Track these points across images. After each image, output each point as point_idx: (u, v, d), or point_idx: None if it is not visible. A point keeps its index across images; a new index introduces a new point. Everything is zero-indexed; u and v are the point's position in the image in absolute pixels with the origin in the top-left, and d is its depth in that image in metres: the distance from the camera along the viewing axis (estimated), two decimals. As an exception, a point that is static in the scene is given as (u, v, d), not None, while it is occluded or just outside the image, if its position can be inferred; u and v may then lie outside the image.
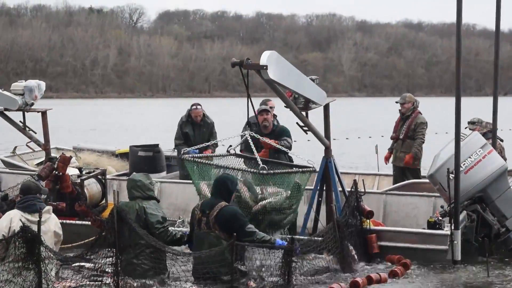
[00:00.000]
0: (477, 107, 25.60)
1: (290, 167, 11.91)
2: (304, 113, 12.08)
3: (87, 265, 9.97)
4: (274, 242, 10.20)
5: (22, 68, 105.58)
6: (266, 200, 10.95)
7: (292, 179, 11.24)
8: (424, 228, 12.01)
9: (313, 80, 12.02)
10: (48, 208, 9.60)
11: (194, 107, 15.92)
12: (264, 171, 10.87)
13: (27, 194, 9.60)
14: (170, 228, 10.44)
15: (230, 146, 11.67)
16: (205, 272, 9.86)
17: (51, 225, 9.25)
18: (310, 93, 11.85)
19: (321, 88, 12.18)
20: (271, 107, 13.73)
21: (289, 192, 11.17)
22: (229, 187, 10.37)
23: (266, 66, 10.54)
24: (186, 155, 11.56)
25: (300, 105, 12.10)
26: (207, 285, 9.90)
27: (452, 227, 11.51)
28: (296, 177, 11.29)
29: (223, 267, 9.86)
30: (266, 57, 10.61)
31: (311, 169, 11.49)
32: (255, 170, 11.00)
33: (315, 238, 11.10)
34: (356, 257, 11.36)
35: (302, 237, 11.80)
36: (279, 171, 11.26)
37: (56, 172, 12.31)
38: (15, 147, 17.75)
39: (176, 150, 16.57)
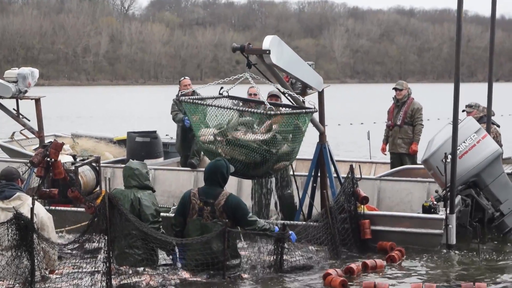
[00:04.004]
0: (469, 93, 25.63)
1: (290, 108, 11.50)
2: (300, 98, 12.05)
3: (80, 251, 9.99)
4: (273, 230, 10.22)
5: (13, 56, 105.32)
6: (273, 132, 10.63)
7: (293, 121, 10.83)
8: (418, 213, 12.05)
9: (309, 65, 12.01)
10: (19, 194, 9.62)
11: (182, 78, 16.06)
12: (272, 112, 10.42)
13: (9, 179, 9.71)
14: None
15: (222, 88, 11.19)
16: (206, 262, 9.83)
17: (23, 211, 9.24)
18: (309, 78, 11.82)
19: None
20: (254, 94, 13.62)
21: (291, 135, 10.87)
22: (225, 175, 10.31)
23: (269, 50, 10.46)
24: (184, 97, 11.37)
25: (297, 90, 12.07)
26: (199, 274, 9.92)
27: (447, 211, 11.54)
28: (297, 119, 10.84)
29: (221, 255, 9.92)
30: (269, 42, 10.50)
31: (313, 109, 11.06)
32: (263, 111, 10.51)
33: (310, 223, 11.14)
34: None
35: (298, 222, 11.86)
36: (285, 111, 10.89)
37: (48, 159, 12.28)
38: (13, 133, 17.74)
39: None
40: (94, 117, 46.17)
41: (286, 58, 10.94)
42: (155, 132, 17.28)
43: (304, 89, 12.16)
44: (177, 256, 10.26)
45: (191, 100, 11.12)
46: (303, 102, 11.81)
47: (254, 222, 10.13)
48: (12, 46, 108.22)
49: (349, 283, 9.70)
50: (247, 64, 10.85)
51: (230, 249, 10.04)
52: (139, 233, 9.74)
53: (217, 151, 10.82)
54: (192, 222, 10.12)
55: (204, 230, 9.99)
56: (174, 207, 13.97)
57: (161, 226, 10.30)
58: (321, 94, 12.38)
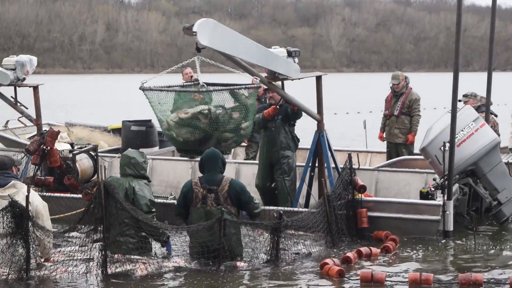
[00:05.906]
0: (465, 82, 25.64)
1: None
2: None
3: (74, 239, 10.00)
4: None
5: (9, 44, 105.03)
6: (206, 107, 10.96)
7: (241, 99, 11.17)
8: (416, 200, 12.08)
9: (290, 52, 11.69)
10: (14, 182, 9.63)
11: (184, 67, 15.93)
12: (203, 89, 10.74)
13: (2, 169, 9.72)
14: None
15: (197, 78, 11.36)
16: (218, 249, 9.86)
17: (18, 199, 9.25)
18: (272, 64, 11.47)
19: (294, 62, 11.70)
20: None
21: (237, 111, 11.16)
22: (223, 160, 10.38)
23: (196, 32, 10.27)
24: (146, 85, 11.41)
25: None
26: (194, 263, 9.98)
27: (445, 198, 11.53)
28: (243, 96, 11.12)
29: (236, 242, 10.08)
30: (198, 24, 10.33)
31: (254, 85, 11.20)
32: (194, 89, 10.88)
33: (310, 210, 11.11)
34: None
35: (294, 208, 11.87)
36: (218, 88, 11.11)
37: (44, 147, 12.30)
38: (7, 121, 17.71)
39: None
40: (89, 106, 46.08)
41: (226, 41, 10.71)
42: (150, 121, 17.23)
43: (273, 74, 11.84)
44: (171, 247, 10.30)
45: (149, 88, 11.32)
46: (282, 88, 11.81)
47: (259, 206, 10.27)
48: (8, 34, 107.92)
49: (346, 272, 9.69)
50: (196, 48, 10.70)
51: (233, 239, 10.03)
52: (133, 222, 9.75)
53: (172, 135, 11.07)
54: (196, 211, 10.13)
55: (208, 217, 9.98)
56: (171, 197, 13.99)
57: (155, 217, 10.27)
58: (319, 82, 12.31)
